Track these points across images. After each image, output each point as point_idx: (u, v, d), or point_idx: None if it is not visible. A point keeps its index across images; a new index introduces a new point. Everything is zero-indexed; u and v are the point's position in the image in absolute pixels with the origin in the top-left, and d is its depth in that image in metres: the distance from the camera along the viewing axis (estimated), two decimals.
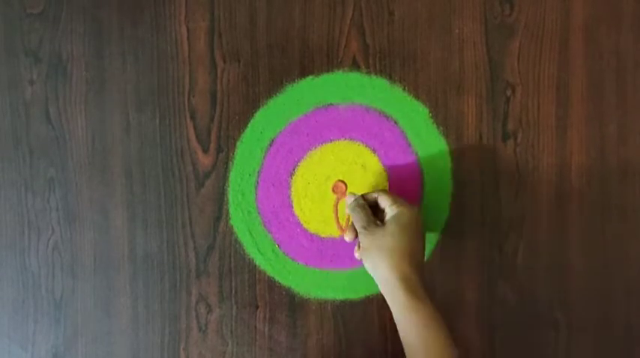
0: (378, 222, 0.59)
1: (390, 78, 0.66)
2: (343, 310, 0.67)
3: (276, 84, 0.66)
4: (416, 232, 0.58)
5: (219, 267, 0.67)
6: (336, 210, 0.67)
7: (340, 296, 0.67)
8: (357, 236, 0.60)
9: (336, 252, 0.67)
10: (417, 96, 0.66)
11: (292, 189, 0.67)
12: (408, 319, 0.55)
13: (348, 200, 0.63)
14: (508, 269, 0.67)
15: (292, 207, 0.67)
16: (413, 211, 0.58)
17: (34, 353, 0.68)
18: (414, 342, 0.55)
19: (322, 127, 0.67)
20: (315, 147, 0.67)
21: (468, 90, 0.66)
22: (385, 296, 0.57)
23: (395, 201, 0.59)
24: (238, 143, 0.67)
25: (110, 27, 0.66)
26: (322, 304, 0.67)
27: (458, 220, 0.66)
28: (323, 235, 0.67)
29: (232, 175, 0.67)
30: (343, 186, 0.67)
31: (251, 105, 0.66)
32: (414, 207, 0.59)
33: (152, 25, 0.66)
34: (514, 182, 0.66)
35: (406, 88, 0.66)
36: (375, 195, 0.61)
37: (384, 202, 0.60)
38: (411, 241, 0.57)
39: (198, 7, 0.66)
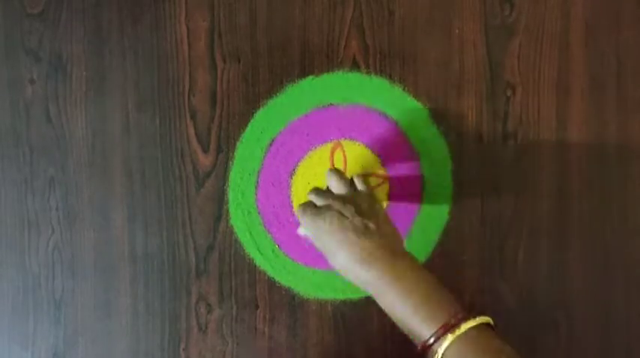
0: None
1: (390, 78, 0.66)
2: (343, 310, 0.67)
3: (276, 84, 0.66)
4: (325, 233, 0.53)
5: (219, 267, 0.67)
6: None
7: (340, 296, 0.67)
8: None
9: None
10: (417, 97, 0.66)
11: (292, 189, 0.67)
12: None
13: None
14: (508, 270, 0.67)
15: (292, 207, 0.67)
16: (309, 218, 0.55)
17: (34, 353, 0.68)
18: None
19: (322, 127, 0.67)
20: (315, 147, 0.67)
21: (467, 90, 0.66)
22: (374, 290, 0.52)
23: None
24: (238, 143, 0.66)
25: (110, 27, 0.66)
26: (322, 304, 0.67)
27: (458, 220, 0.66)
28: None
29: (232, 175, 0.67)
30: None
31: (251, 105, 0.66)
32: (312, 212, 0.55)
33: (152, 25, 0.66)
34: (514, 182, 0.66)
35: (406, 88, 0.66)
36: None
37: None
38: (330, 242, 0.53)
39: (198, 7, 0.66)
